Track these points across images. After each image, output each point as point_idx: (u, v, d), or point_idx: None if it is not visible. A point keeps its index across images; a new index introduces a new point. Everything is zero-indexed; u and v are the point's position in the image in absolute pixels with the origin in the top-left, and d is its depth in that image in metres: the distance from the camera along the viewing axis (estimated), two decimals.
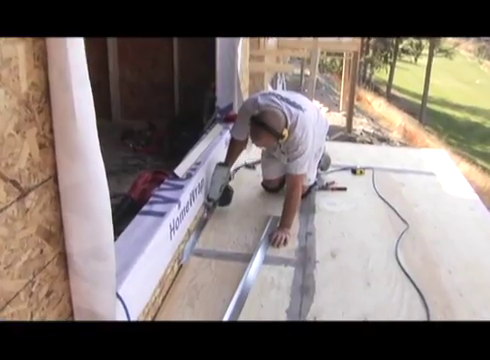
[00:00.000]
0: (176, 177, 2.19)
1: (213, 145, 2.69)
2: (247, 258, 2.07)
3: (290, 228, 2.29)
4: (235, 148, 2.53)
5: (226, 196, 2.42)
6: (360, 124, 9.95)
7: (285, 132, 2.15)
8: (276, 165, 2.65)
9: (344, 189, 2.88)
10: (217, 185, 2.37)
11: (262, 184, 2.82)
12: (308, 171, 2.46)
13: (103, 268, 1.13)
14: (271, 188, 2.78)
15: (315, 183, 2.79)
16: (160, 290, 1.76)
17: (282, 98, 2.26)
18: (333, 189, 2.87)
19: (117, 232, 1.53)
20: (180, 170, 2.24)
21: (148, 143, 3.73)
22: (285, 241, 2.21)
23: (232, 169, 2.66)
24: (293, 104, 2.25)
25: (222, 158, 2.54)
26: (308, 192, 2.69)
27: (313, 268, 2.04)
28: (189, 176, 2.24)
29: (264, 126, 2.12)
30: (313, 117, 2.36)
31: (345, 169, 3.18)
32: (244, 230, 2.35)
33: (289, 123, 2.18)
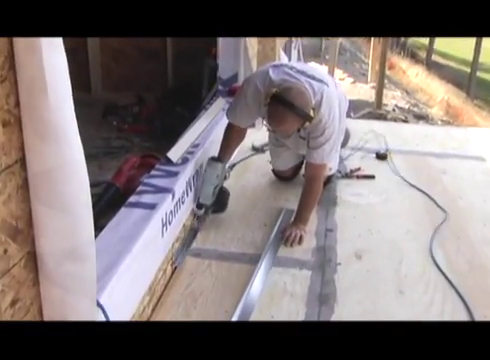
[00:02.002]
0: (169, 162, 2.18)
1: (214, 123, 2.68)
2: (254, 259, 2.07)
3: (306, 224, 2.28)
4: (233, 137, 2.39)
5: (220, 200, 2.31)
6: (392, 98, 9.88)
7: (312, 113, 2.08)
8: (289, 153, 2.62)
9: (372, 177, 2.87)
10: (209, 186, 2.24)
11: (273, 171, 2.81)
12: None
13: (81, 272, 1.12)
14: (284, 177, 2.78)
15: (337, 170, 2.77)
16: (150, 298, 1.77)
17: (298, 71, 2.18)
18: (358, 177, 2.86)
19: (98, 228, 1.53)
20: (174, 153, 2.23)
21: (135, 121, 3.73)
22: (300, 239, 2.21)
23: (228, 165, 2.49)
24: (313, 78, 2.17)
25: None
26: (328, 181, 2.67)
27: (334, 272, 2.04)
28: (185, 161, 2.23)
29: (290, 107, 2.01)
30: (336, 92, 2.31)
31: (373, 153, 3.16)
32: (251, 226, 2.35)
33: (313, 102, 2.11)
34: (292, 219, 2.33)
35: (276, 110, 2.05)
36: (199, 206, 2.26)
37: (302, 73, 2.18)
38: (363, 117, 5.97)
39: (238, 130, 2.38)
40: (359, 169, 2.91)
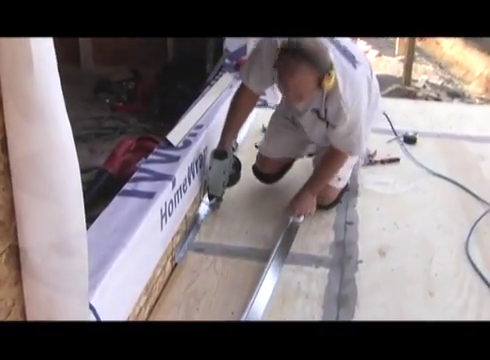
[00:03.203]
0: (169, 145, 2.18)
1: (220, 102, 2.67)
2: (265, 255, 2.08)
3: (315, 195, 2.28)
4: (241, 104, 2.33)
5: (232, 173, 2.37)
6: (423, 73, 9.76)
7: (332, 74, 1.95)
8: (292, 137, 2.46)
9: (397, 160, 2.87)
10: (218, 182, 2.33)
11: (254, 169, 2.59)
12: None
13: (70, 267, 1.13)
14: (266, 174, 2.56)
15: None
16: (147, 298, 1.78)
17: (331, 38, 2.06)
18: (383, 162, 2.85)
19: (89, 219, 1.54)
20: (175, 136, 2.23)
21: (131, 98, 3.73)
22: (307, 210, 2.25)
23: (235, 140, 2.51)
24: (344, 51, 2.06)
25: None
26: (338, 199, 2.47)
27: (354, 270, 2.04)
28: (187, 144, 2.23)
29: (302, 53, 1.88)
30: (368, 73, 2.19)
31: (401, 136, 3.14)
32: (261, 217, 2.35)
33: (332, 75, 1.97)
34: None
35: (286, 60, 1.94)
36: (210, 198, 2.38)
37: (333, 41, 2.06)
38: (390, 95, 5.91)
39: (248, 96, 2.32)
40: (375, 153, 2.90)
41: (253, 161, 2.61)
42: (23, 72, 0.97)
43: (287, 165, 2.63)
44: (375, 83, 2.31)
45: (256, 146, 2.62)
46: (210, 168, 2.31)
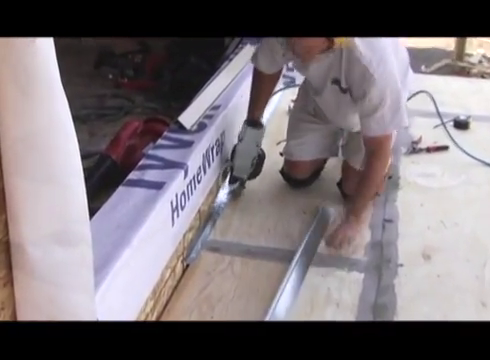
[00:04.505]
0: (182, 128, 2.19)
1: (240, 79, 2.67)
2: (289, 257, 2.08)
3: (361, 216, 2.22)
4: (261, 86, 2.34)
5: (255, 165, 2.37)
6: (479, 46, 9.64)
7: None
8: (319, 133, 2.43)
9: (445, 148, 2.85)
10: (247, 159, 2.31)
11: (281, 172, 2.56)
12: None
13: (74, 258, 1.14)
14: (297, 179, 2.52)
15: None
16: (154, 303, 1.79)
17: None
18: (430, 150, 2.83)
19: (89, 212, 1.55)
20: (188, 118, 2.24)
21: (138, 74, 3.74)
22: (350, 240, 2.15)
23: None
24: None
25: None
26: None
27: (394, 276, 2.03)
28: (202, 127, 2.23)
29: None
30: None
31: (451, 120, 3.10)
32: (286, 213, 2.35)
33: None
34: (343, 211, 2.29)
35: None
36: (233, 180, 2.36)
37: None
38: (438, 71, 5.81)
39: (267, 76, 2.33)
40: (420, 139, 2.88)
41: (277, 147, 2.62)
42: (25, 42, 0.98)
43: (319, 167, 2.56)
44: (403, 49, 2.29)
45: (281, 154, 2.54)
46: (241, 140, 2.30)
